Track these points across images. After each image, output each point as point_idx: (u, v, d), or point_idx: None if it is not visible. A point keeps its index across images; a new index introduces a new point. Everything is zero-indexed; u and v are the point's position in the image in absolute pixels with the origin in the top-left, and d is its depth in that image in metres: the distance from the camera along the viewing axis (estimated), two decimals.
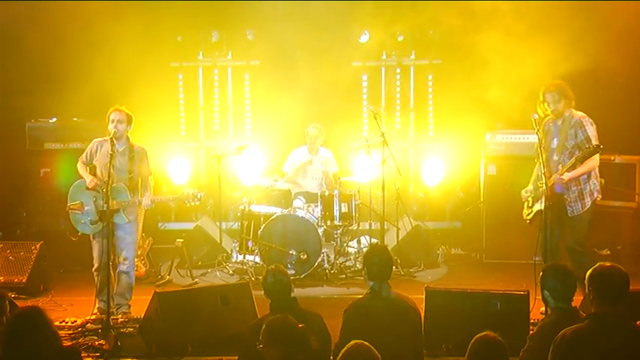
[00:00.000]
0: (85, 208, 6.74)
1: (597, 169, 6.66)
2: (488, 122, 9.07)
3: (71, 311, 6.99)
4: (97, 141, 6.89)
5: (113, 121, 6.69)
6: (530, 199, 6.81)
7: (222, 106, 10.60)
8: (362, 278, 5.65)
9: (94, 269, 6.75)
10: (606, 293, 3.96)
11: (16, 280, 7.60)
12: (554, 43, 8.40)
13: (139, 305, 6.67)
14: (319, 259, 8.08)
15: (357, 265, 8.28)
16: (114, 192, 6.50)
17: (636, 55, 8.78)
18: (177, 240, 8.40)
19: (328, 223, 8.32)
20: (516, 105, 8.31)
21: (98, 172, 6.81)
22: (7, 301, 4.70)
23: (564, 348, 3.89)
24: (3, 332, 3.92)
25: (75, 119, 9.17)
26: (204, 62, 10.51)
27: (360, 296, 4.97)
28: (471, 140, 9.46)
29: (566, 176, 6.49)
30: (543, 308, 5.62)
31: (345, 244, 8.63)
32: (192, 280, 8.13)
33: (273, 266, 5.05)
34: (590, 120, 6.63)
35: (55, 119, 9.18)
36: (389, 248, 5.48)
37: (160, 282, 8.04)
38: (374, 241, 8.41)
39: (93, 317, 6.63)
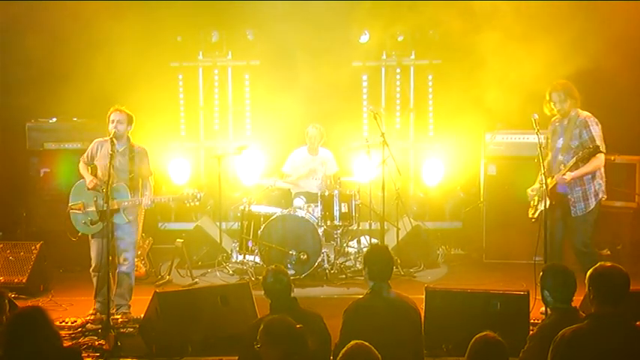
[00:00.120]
0: (86, 209, 6.74)
1: (603, 170, 6.66)
2: (488, 122, 9.07)
3: (71, 311, 6.99)
4: (98, 141, 6.89)
5: (113, 121, 6.68)
6: (535, 198, 6.81)
7: (222, 106, 10.59)
8: (362, 278, 5.67)
9: (91, 269, 6.75)
10: (606, 293, 3.96)
11: (16, 280, 7.60)
12: (554, 44, 8.40)
13: (139, 305, 6.67)
14: (319, 259, 8.08)
15: (357, 265, 8.28)
16: (114, 192, 6.50)
17: (636, 55, 8.78)
18: (177, 240, 8.39)
19: (328, 223, 8.31)
20: (516, 105, 8.32)
21: (99, 172, 6.81)
22: (6, 300, 4.70)
23: (564, 348, 3.89)
24: (4, 332, 3.92)
25: (75, 119, 9.16)
26: (204, 62, 10.50)
27: (361, 296, 4.97)
28: (471, 140, 9.46)
29: (568, 176, 6.49)
30: (543, 308, 5.63)
31: (345, 244, 8.63)
32: (192, 280, 8.13)
33: (273, 266, 5.05)
34: (596, 120, 6.63)
35: (55, 119, 9.17)
36: (389, 248, 5.47)
37: (160, 282, 8.04)
38: (374, 241, 8.40)
39: (92, 317, 6.63)
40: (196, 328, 5.94)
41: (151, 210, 7.21)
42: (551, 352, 3.93)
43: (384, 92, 10.52)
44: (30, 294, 7.56)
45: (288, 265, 7.84)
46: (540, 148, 6.28)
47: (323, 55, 9.64)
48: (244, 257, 8.41)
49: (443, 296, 5.92)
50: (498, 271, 8.47)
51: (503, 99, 8.52)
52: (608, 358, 3.87)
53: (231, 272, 8.40)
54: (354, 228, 8.55)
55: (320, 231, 8.13)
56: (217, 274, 8.39)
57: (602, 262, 4.13)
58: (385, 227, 8.30)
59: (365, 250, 7.57)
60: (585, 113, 6.67)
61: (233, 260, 8.62)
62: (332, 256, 8.35)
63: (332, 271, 8.19)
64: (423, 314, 5.24)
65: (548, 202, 6.27)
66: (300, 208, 8.36)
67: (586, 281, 4.06)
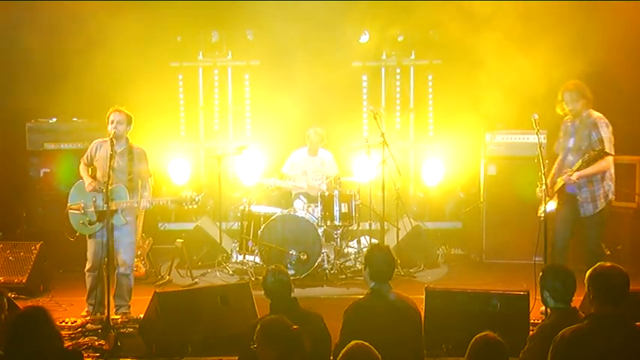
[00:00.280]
0: (85, 209, 6.73)
1: (613, 171, 6.66)
2: (488, 122, 9.07)
3: (71, 311, 6.99)
4: (97, 142, 6.88)
5: (113, 122, 6.67)
6: (544, 196, 6.81)
7: (222, 106, 10.59)
8: (362, 278, 5.66)
9: (86, 269, 6.75)
10: (606, 293, 3.95)
11: (16, 281, 7.60)
12: (554, 44, 8.40)
13: (139, 305, 6.67)
14: (319, 260, 8.08)
15: (357, 266, 8.28)
16: (113, 193, 6.48)
17: (637, 55, 8.77)
18: (177, 240, 8.40)
19: (328, 223, 8.31)
20: (516, 105, 8.33)
21: (98, 173, 6.81)
22: (5, 299, 4.69)
23: (564, 348, 3.89)
24: (6, 331, 3.92)
25: (75, 119, 9.16)
26: (204, 62, 10.50)
27: (361, 296, 4.96)
28: (471, 140, 9.46)
29: (575, 176, 6.49)
30: (543, 308, 5.63)
31: (345, 245, 8.63)
32: (192, 280, 8.13)
33: (273, 266, 5.05)
34: (606, 122, 6.63)
35: (55, 119, 9.17)
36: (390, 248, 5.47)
37: (160, 282, 8.04)
38: (374, 241, 8.40)
39: (89, 318, 6.62)
40: (196, 328, 5.94)
41: (150, 210, 7.21)
42: (551, 351, 3.93)
43: (384, 92, 10.52)
44: (30, 294, 7.56)
45: (288, 265, 7.84)
46: (540, 148, 6.28)
47: (323, 56, 9.64)
48: (244, 257, 8.41)
49: (443, 296, 5.92)
50: (498, 271, 8.47)
51: (503, 99, 8.53)
52: (608, 358, 3.87)
53: (231, 272, 8.40)
54: (354, 228, 8.55)
55: (320, 231, 8.13)
56: (217, 274, 8.38)
57: (602, 262, 4.13)
58: (385, 227, 8.30)
59: (365, 250, 7.58)
60: (597, 114, 6.66)
61: (233, 260, 8.62)
62: (332, 257, 8.35)
63: (332, 272, 8.19)
64: (423, 314, 5.23)
65: (555, 203, 6.27)
66: (300, 209, 8.36)
67: (585, 281, 4.06)
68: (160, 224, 10.04)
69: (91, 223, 6.72)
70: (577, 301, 4.74)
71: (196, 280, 8.17)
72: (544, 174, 6.24)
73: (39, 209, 8.98)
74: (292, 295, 4.90)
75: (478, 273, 8.49)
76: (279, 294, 4.85)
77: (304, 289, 7.68)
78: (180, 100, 10.53)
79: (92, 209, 6.71)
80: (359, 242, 8.61)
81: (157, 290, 6.34)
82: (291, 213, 8.24)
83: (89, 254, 6.75)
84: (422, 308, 5.48)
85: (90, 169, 6.85)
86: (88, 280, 6.76)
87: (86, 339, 6.14)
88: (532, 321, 5.81)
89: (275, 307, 4.78)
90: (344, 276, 8.16)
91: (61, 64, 9.10)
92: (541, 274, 4.57)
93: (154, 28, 9.42)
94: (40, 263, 7.84)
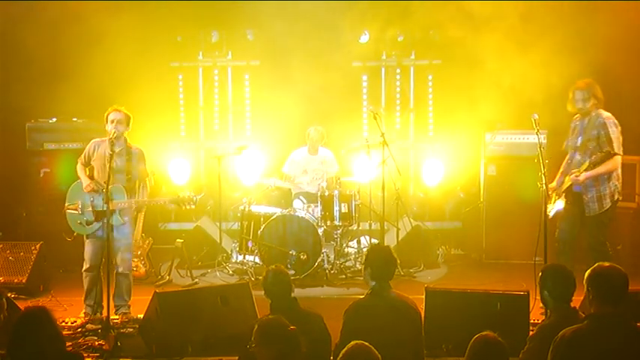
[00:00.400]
0: (82, 209, 6.72)
1: (620, 171, 6.67)
2: (488, 122, 9.07)
3: (71, 311, 6.99)
4: (95, 141, 6.85)
5: (113, 121, 6.64)
6: (553, 195, 6.82)
7: (222, 106, 10.59)
8: (362, 278, 5.65)
9: (84, 269, 6.74)
10: (606, 294, 3.96)
11: (15, 281, 7.60)
12: (554, 44, 8.40)
13: (139, 305, 6.67)
14: (319, 260, 8.07)
15: (357, 266, 8.28)
16: (111, 193, 6.46)
17: (637, 55, 8.77)
18: (177, 240, 8.39)
19: (328, 223, 8.31)
20: (516, 105, 8.33)
21: (95, 173, 6.79)
22: (4, 299, 4.69)
23: (564, 348, 3.89)
24: (9, 331, 3.92)
25: (75, 119, 9.16)
26: (204, 62, 10.50)
27: (361, 296, 4.97)
28: (471, 140, 9.46)
29: (582, 176, 6.50)
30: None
31: (345, 245, 8.63)
32: (192, 280, 8.13)
33: (274, 266, 5.05)
34: (615, 122, 6.64)
35: (55, 119, 9.17)
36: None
37: (160, 282, 8.03)
38: (374, 241, 8.40)
39: (87, 319, 6.61)
40: (196, 328, 5.94)
41: (150, 210, 7.22)
42: (551, 352, 3.93)
43: (384, 92, 10.52)
44: (30, 294, 7.56)
45: (288, 265, 7.83)
46: (540, 148, 6.28)
47: (323, 56, 9.64)
48: (244, 257, 8.41)
49: (443, 296, 5.93)
50: (498, 271, 8.47)
51: (503, 99, 8.53)
52: (608, 359, 3.87)
53: (231, 272, 8.40)
54: (354, 228, 8.55)
55: (320, 231, 8.13)
56: (217, 274, 8.38)
57: (601, 263, 4.13)
58: (385, 227, 8.30)
59: (365, 250, 7.57)
60: (606, 114, 6.67)
61: (233, 260, 8.62)
62: (332, 257, 8.35)
63: (332, 272, 8.19)
64: (423, 314, 5.23)
65: (563, 203, 6.28)
66: (300, 209, 8.36)
67: (585, 282, 4.06)
68: (160, 224, 10.03)
69: (88, 223, 6.71)
70: (577, 301, 4.75)
71: (196, 280, 8.16)
72: (544, 174, 6.24)
73: (39, 209, 8.97)
74: (293, 295, 4.90)
75: (478, 273, 8.48)
76: (280, 294, 4.85)
77: (304, 289, 7.67)
78: (180, 100, 10.53)
79: (90, 209, 6.70)
80: (359, 242, 8.61)
81: (157, 290, 6.35)
82: (291, 213, 8.23)
83: (87, 254, 6.74)
84: (422, 308, 5.48)
85: (87, 170, 6.84)
86: (86, 281, 6.75)
87: (86, 339, 6.14)
88: (532, 321, 5.81)
89: (275, 307, 4.78)
90: (344, 276, 8.16)
91: (62, 64, 9.11)
92: (540, 274, 4.57)
93: (154, 28, 9.43)
94: (40, 263, 7.84)
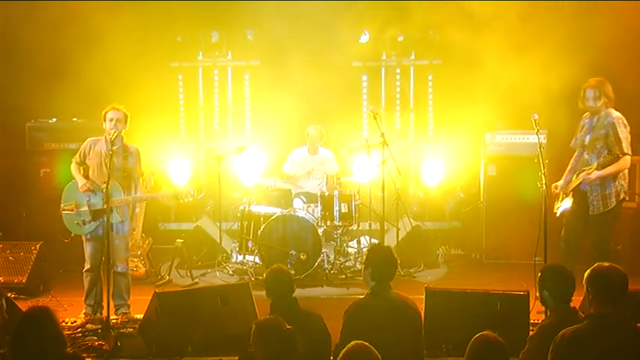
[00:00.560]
0: (78, 209, 6.71)
1: (626, 171, 6.67)
2: (488, 122, 9.07)
3: (71, 311, 6.99)
4: (91, 140, 6.83)
5: (112, 120, 6.63)
6: (560, 193, 6.82)
7: (222, 106, 10.59)
8: (362, 279, 5.65)
9: (85, 269, 6.75)
10: (606, 294, 3.96)
11: (15, 281, 7.60)
12: (554, 44, 8.41)
13: (139, 305, 6.67)
14: (319, 260, 8.08)
15: (357, 266, 8.28)
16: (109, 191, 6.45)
17: (637, 55, 8.77)
18: (177, 240, 8.39)
19: (328, 223, 8.31)
20: (516, 105, 8.33)
21: (90, 172, 6.77)
22: (3, 299, 4.68)
23: (564, 348, 3.89)
24: (11, 331, 3.91)
25: (74, 119, 9.16)
26: (204, 62, 10.50)
27: (361, 296, 4.96)
28: (471, 140, 9.46)
29: (594, 175, 6.50)
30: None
31: (345, 245, 8.63)
32: (192, 280, 8.13)
33: (275, 266, 5.05)
34: (624, 122, 6.62)
35: (54, 119, 9.17)
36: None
37: (160, 282, 8.04)
38: (374, 241, 8.40)
39: (87, 319, 6.61)
40: (196, 328, 5.94)
41: (150, 210, 7.20)
42: (551, 352, 3.93)
43: (383, 92, 10.52)
44: (30, 294, 7.56)
45: (288, 265, 7.82)
46: (540, 148, 6.28)
47: (323, 56, 9.65)
48: (244, 257, 8.41)
49: (443, 296, 5.93)
50: (498, 271, 8.47)
51: (503, 99, 8.53)
52: (608, 359, 3.87)
53: (231, 272, 8.40)
54: (354, 228, 8.55)
55: (320, 231, 8.13)
56: (217, 274, 8.38)
57: (600, 263, 4.13)
58: (385, 227, 8.31)
59: (365, 250, 7.58)
60: (616, 114, 6.65)
61: (233, 260, 8.62)
62: (332, 256, 8.35)
63: (332, 271, 8.19)
64: (423, 314, 5.23)
65: (570, 202, 6.28)
66: (300, 209, 8.36)
67: (584, 282, 4.06)
68: (160, 224, 10.04)
69: (85, 223, 6.70)
70: (577, 301, 4.75)
71: (196, 280, 8.16)
72: (544, 174, 6.24)
73: (39, 209, 8.96)
74: (293, 295, 4.90)
75: (478, 273, 8.49)
76: (281, 293, 4.85)
77: (304, 289, 7.66)
78: (180, 100, 10.53)
79: (86, 209, 6.69)
80: (359, 242, 8.61)
81: (157, 290, 6.34)
82: (291, 213, 8.23)
83: (87, 255, 6.73)
84: (422, 308, 5.48)
85: (82, 169, 6.82)
86: (86, 281, 6.75)
87: (86, 339, 6.13)
88: (532, 321, 5.81)
89: (275, 307, 4.78)
90: (344, 276, 8.16)
91: (61, 63, 9.10)
92: (540, 274, 4.57)
93: (154, 28, 9.43)
94: (40, 263, 7.84)
